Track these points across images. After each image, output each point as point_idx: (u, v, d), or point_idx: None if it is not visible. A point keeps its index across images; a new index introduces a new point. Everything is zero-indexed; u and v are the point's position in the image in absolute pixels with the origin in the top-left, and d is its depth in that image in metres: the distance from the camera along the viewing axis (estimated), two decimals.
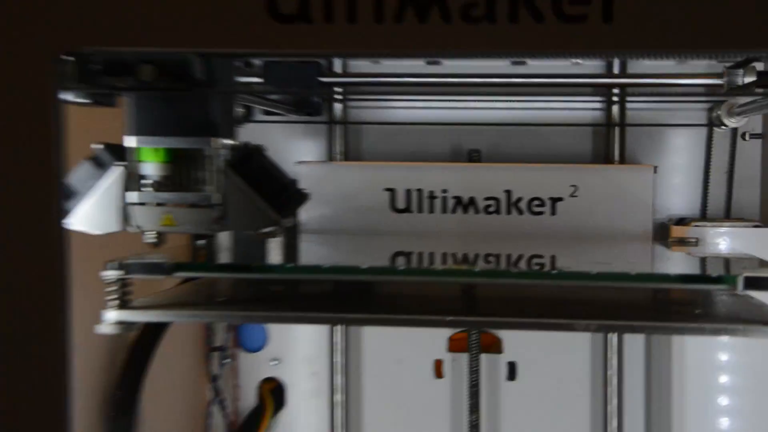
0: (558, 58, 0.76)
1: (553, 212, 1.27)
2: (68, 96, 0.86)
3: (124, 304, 0.92)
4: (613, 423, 1.36)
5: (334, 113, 1.35)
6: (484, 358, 1.35)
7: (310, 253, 1.12)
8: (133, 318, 0.92)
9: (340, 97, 1.30)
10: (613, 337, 1.36)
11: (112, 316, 0.91)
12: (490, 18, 0.77)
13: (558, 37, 0.77)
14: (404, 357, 1.39)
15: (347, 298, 0.99)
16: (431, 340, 1.38)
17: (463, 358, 1.33)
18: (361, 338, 1.40)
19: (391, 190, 1.31)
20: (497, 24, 0.76)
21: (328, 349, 1.41)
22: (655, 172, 1.28)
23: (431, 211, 1.29)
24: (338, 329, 1.38)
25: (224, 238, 0.96)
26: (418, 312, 0.90)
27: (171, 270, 0.91)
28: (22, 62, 0.75)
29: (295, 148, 1.37)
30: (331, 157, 1.35)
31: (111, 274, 0.91)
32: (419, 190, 1.30)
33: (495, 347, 1.37)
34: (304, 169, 1.30)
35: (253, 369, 1.41)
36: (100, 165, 0.92)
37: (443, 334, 1.39)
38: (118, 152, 0.93)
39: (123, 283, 0.92)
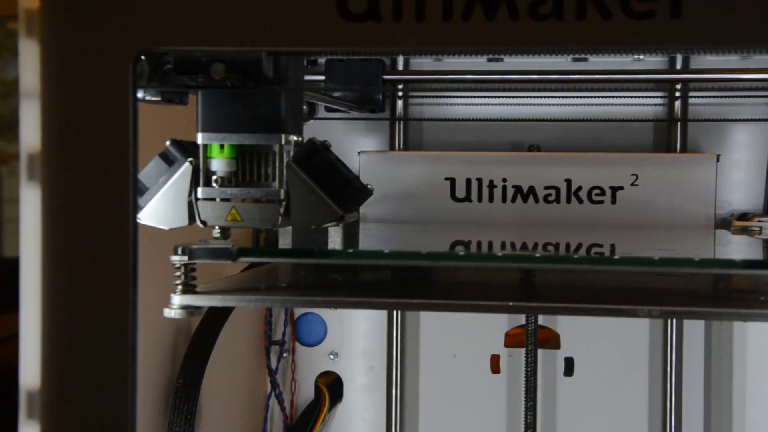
0: (626, 54, 0.76)
1: (614, 201, 1.27)
2: (139, 94, 0.89)
3: (189, 289, 0.93)
4: (672, 420, 1.36)
5: (396, 109, 1.37)
6: (541, 353, 1.34)
7: (370, 240, 1.12)
8: (198, 302, 0.93)
9: (401, 93, 1.33)
10: (672, 334, 1.35)
11: (177, 300, 0.92)
12: (557, 15, 0.77)
13: (626, 33, 0.76)
14: (460, 352, 1.40)
15: (406, 286, 1.00)
16: (488, 335, 1.39)
17: (520, 353, 1.33)
18: (418, 333, 1.41)
19: (451, 179, 1.31)
20: (564, 21, 0.77)
21: (386, 343, 1.42)
22: (718, 160, 1.27)
23: (491, 200, 1.29)
24: (396, 324, 1.39)
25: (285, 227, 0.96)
26: (478, 299, 0.91)
27: (237, 255, 0.91)
28: (101, 62, 0.79)
29: (356, 144, 1.38)
30: (392, 148, 1.37)
31: (177, 259, 0.92)
32: (479, 180, 1.30)
33: (553, 342, 1.38)
34: (365, 159, 1.31)
35: (311, 363, 1.43)
36: (169, 161, 0.94)
37: (500, 329, 1.39)
38: (187, 149, 0.95)
39: (188, 268, 0.93)
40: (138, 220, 0.84)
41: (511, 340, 1.37)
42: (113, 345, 0.81)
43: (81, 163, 0.80)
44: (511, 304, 0.91)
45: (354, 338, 1.43)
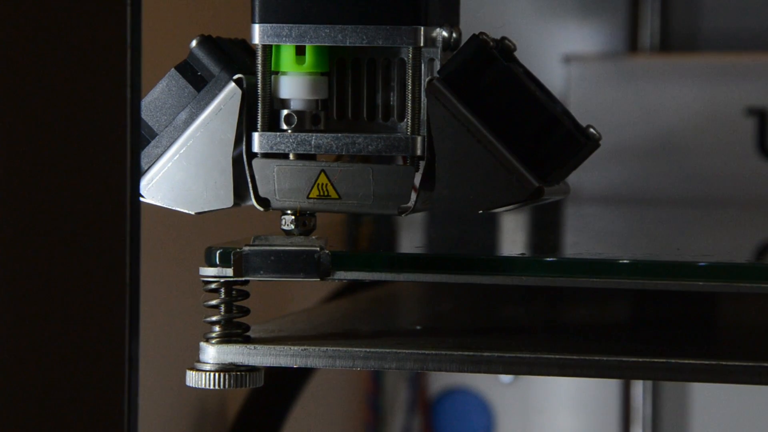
0: None
1: None
2: None
3: (235, 333, 0.90)
4: None
5: None
6: None
7: (590, 237, 1.12)
8: (252, 359, 0.89)
9: None
10: None
11: (213, 354, 0.89)
12: None
13: None
14: None
15: (665, 332, 0.98)
16: None
17: None
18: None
19: (759, 112, 1.28)
20: None
21: None
22: None
23: None
24: (639, 410, 1.43)
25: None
26: None
27: (329, 267, 0.87)
28: None
29: (561, 39, 1.36)
30: (634, 47, 1.30)
31: (214, 273, 0.89)
32: None
33: None
34: (577, 72, 1.30)
35: None
36: (197, 79, 0.90)
37: None
38: (232, 55, 0.92)
39: (235, 292, 0.90)
40: (141, 199, 0.82)
41: None
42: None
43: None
44: None
45: None
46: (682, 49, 1.36)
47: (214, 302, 0.90)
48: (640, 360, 0.85)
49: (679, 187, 1.31)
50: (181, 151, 0.90)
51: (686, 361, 0.86)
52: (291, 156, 0.88)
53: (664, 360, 0.86)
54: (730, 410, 1.50)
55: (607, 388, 1.47)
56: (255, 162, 0.88)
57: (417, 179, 0.88)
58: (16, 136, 0.74)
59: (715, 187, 1.31)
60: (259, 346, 0.90)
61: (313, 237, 0.91)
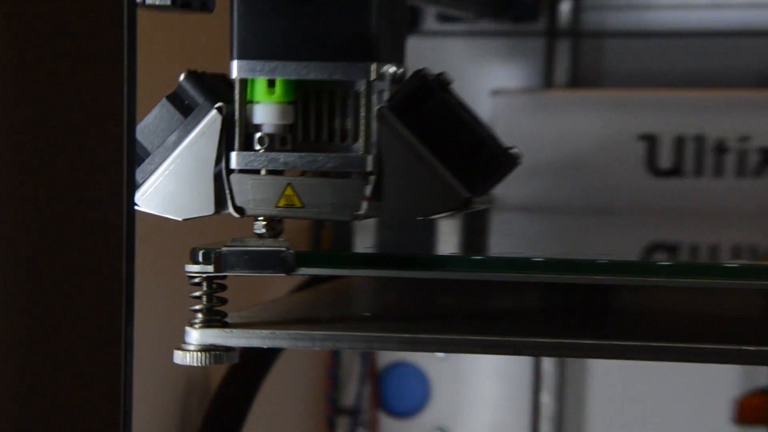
0: None
1: None
2: None
3: (215, 319, 0.94)
4: None
5: (558, 19, 1.37)
6: None
7: (508, 240, 1.14)
8: (229, 341, 0.93)
9: None
10: None
11: (196, 337, 0.93)
12: None
13: None
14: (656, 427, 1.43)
15: (565, 316, 1.02)
16: (705, 401, 1.41)
17: None
18: (583, 396, 1.44)
19: (648, 137, 1.31)
20: None
21: (530, 413, 1.45)
22: None
23: (718, 173, 1.31)
24: (548, 378, 1.43)
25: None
26: (691, 340, 0.89)
27: (293, 264, 0.91)
28: None
29: (487, 78, 1.39)
30: (550, 83, 1.36)
31: (198, 270, 0.92)
32: (699, 138, 1.31)
33: None
34: (502, 104, 1.33)
35: None
36: (184, 108, 0.94)
37: (724, 392, 1.40)
38: (214, 87, 0.96)
39: (215, 286, 0.93)
40: (135, 207, 0.83)
41: (747, 414, 1.35)
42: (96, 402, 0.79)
43: (37, 115, 0.78)
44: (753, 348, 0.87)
45: (475, 404, 1.47)
46: (589, 85, 1.40)
47: (197, 294, 0.93)
48: (548, 340, 0.90)
49: (583, 198, 1.34)
50: (171, 168, 0.93)
51: (586, 342, 0.91)
52: (263, 171, 0.92)
53: (569, 341, 0.91)
54: (622, 378, 1.49)
55: (521, 363, 1.48)
56: (233, 177, 0.92)
57: (368, 191, 0.92)
58: (29, 150, 0.77)
59: (613, 199, 1.35)
60: (235, 330, 0.93)
61: (281, 239, 0.94)
